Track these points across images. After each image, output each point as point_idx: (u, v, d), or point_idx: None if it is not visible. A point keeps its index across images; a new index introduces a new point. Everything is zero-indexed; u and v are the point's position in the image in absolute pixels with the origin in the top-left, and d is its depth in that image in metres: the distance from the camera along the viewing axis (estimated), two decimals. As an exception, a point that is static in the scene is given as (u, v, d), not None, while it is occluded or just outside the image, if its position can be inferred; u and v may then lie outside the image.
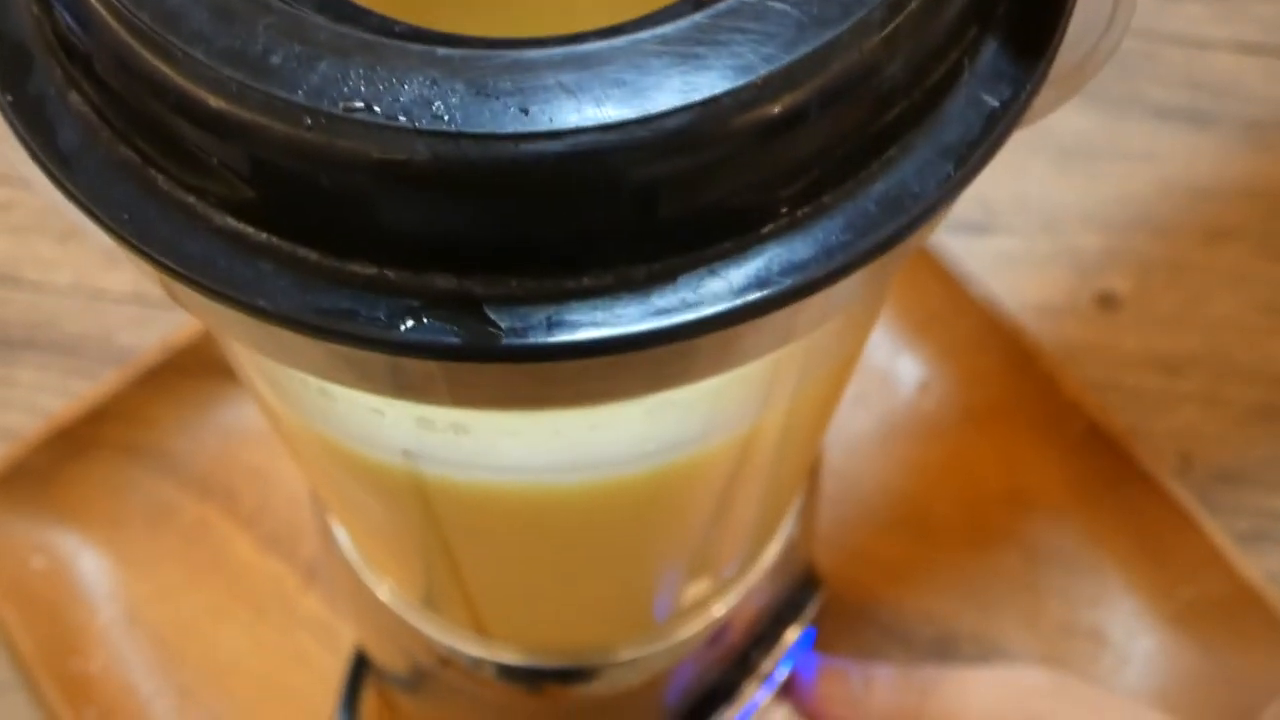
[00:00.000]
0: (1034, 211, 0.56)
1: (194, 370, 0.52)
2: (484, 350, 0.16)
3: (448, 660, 0.34)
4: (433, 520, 0.25)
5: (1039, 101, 0.18)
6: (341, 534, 0.34)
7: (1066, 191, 0.56)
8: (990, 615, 0.49)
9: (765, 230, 0.16)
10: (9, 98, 0.17)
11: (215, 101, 0.15)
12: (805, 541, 0.36)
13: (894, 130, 0.17)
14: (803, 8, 0.16)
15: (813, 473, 0.35)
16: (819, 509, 0.36)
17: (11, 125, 0.17)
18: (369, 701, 0.48)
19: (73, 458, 0.50)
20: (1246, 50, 0.59)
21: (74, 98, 0.17)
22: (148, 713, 0.47)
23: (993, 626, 0.49)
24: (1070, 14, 0.18)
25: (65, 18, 0.16)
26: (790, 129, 0.16)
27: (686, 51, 0.15)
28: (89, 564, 0.50)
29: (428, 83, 0.15)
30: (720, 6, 0.16)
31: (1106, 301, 0.55)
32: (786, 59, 0.15)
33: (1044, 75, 0.17)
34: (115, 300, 0.55)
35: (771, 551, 0.33)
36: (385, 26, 0.16)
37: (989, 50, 0.17)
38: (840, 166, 0.16)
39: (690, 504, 0.25)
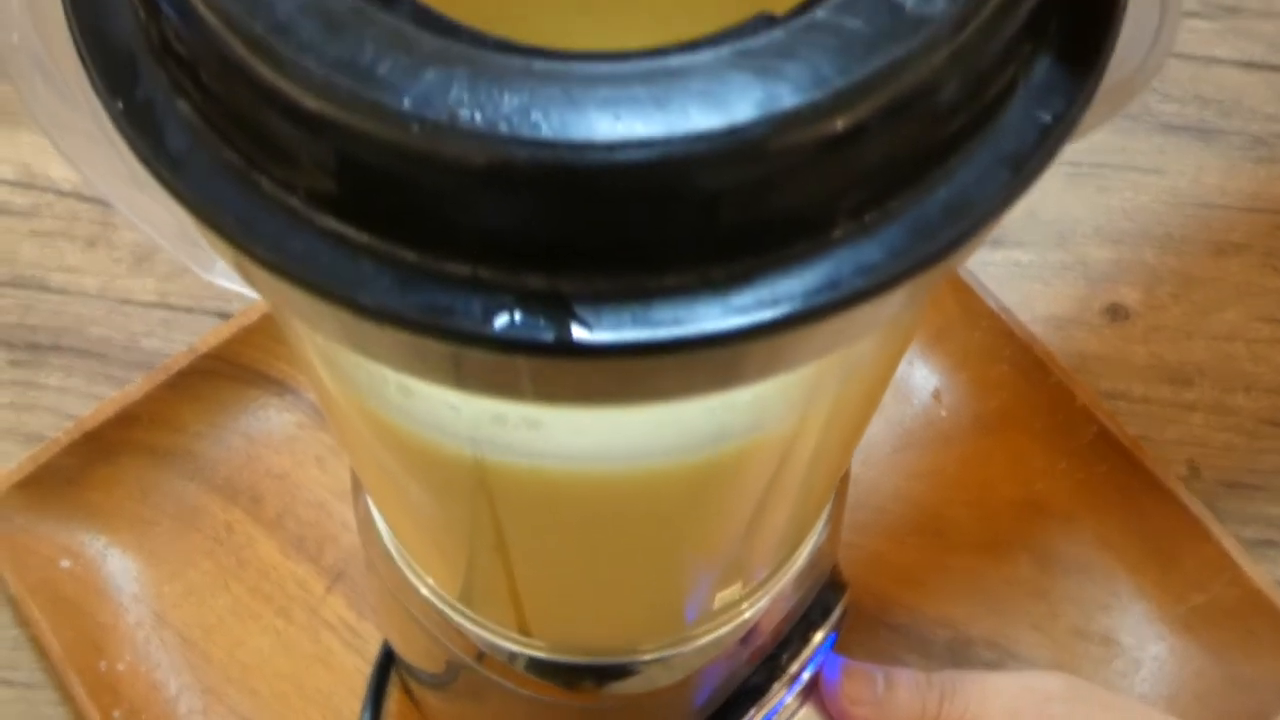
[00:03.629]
0: (1045, 225, 0.57)
1: (219, 375, 0.53)
2: (575, 346, 0.17)
3: (484, 655, 0.35)
4: (488, 508, 0.26)
5: (1089, 115, 0.19)
6: (384, 528, 0.35)
7: (1077, 205, 0.57)
8: (1004, 620, 0.50)
9: (836, 234, 0.17)
10: (119, 104, 0.18)
11: (325, 109, 0.16)
12: (832, 547, 0.37)
13: (955, 140, 0.18)
14: (874, 24, 0.16)
15: (841, 481, 0.36)
16: (844, 516, 0.37)
17: (122, 131, 0.18)
18: (394, 702, 0.49)
19: (100, 461, 0.51)
20: (1252, 67, 0.61)
21: (181, 103, 0.18)
22: (174, 712, 0.48)
23: (1007, 631, 0.50)
24: (1118, 32, 0.19)
25: (176, 26, 0.17)
26: (860, 139, 0.17)
27: (765, 65, 0.16)
28: (116, 565, 0.51)
29: (526, 93, 0.16)
30: (796, 23, 0.17)
31: (1116, 313, 0.56)
32: (859, 73, 0.16)
33: (1094, 90, 0.18)
34: (141, 305, 0.56)
35: (802, 556, 0.34)
36: (480, 39, 0.17)
37: (1042, 66, 0.18)
38: (905, 174, 0.17)
39: (733, 499, 0.26)
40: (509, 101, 0.16)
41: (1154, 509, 0.50)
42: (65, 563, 0.51)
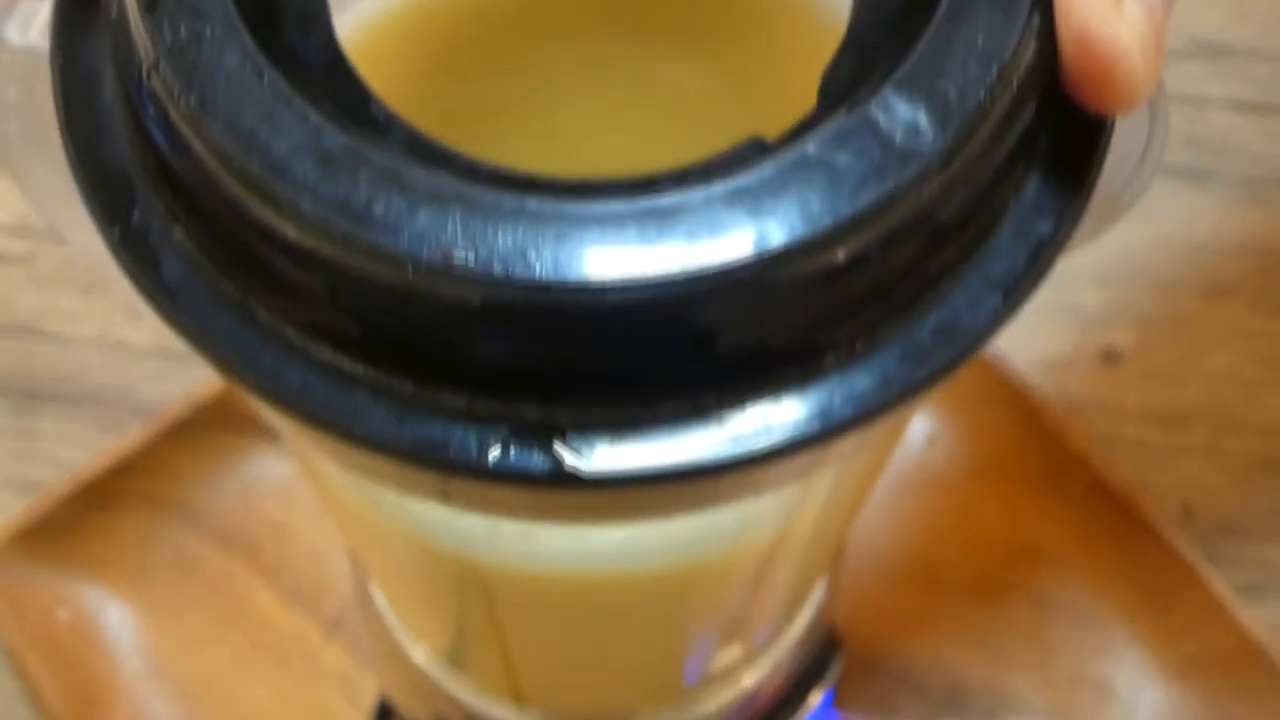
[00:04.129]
0: (1038, 267, 0.57)
1: (217, 424, 0.53)
2: (569, 478, 0.17)
3: (477, 719, 0.35)
4: (481, 594, 0.26)
5: (1079, 230, 0.19)
6: (378, 592, 0.35)
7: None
8: (1000, 666, 0.50)
9: (827, 361, 0.17)
10: (116, 232, 0.18)
11: (321, 247, 0.16)
12: (830, 608, 0.37)
13: (946, 265, 0.18)
14: (864, 159, 0.17)
15: (841, 544, 0.36)
16: (843, 573, 0.38)
17: (117, 258, 0.18)
18: (392, 753, 0.49)
19: (98, 510, 0.51)
20: (1243, 109, 0.61)
21: (177, 231, 0.18)
22: (172, 763, 0.48)
23: (1002, 677, 0.50)
24: (1107, 149, 0.19)
25: (171, 160, 0.17)
26: (851, 273, 0.17)
27: (756, 204, 0.16)
28: (113, 616, 0.51)
29: (520, 233, 0.16)
30: (786, 158, 0.17)
31: (1109, 356, 0.56)
32: (849, 210, 0.16)
33: (1084, 207, 0.19)
34: (139, 353, 0.56)
35: (801, 620, 0.34)
36: (474, 170, 0.17)
37: (1032, 185, 0.19)
38: (896, 301, 0.18)
39: (726, 587, 0.26)
40: (503, 242, 0.16)
41: (1148, 555, 0.51)
42: (63, 614, 0.51)
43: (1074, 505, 0.52)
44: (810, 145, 0.17)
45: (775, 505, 0.22)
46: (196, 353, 0.18)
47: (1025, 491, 0.53)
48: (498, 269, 0.16)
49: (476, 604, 0.27)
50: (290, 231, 0.17)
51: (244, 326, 0.17)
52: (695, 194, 0.16)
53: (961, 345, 0.18)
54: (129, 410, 0.54)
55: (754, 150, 0.18)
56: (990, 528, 0.53)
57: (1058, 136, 0.19)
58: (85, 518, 0.51)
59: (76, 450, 0.54)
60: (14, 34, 0.22)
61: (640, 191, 0.17)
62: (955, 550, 0.52)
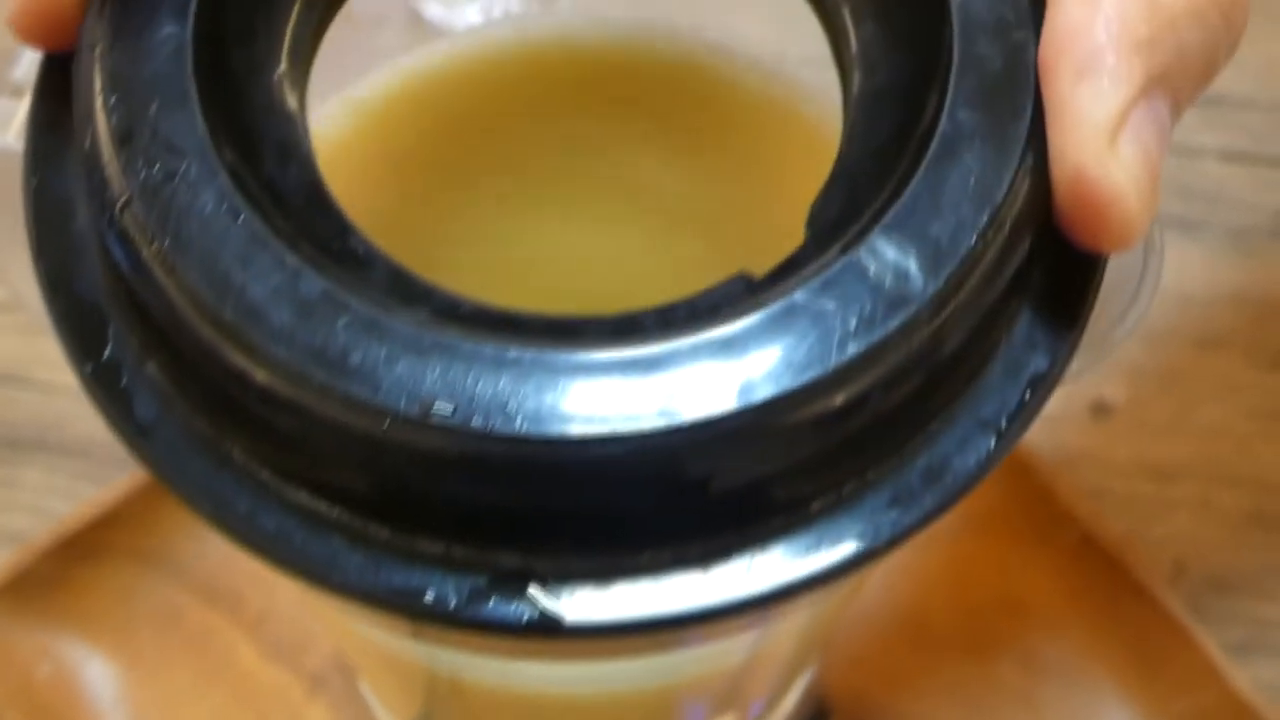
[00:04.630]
0: (1029, 318, 0.57)
1: (201, 475, 0.52)
2: (551, 628, 0.16)
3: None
4: (459, 698, 0.26)
5: (1072, 364, 0.19)
6: (353, 667, 0.35)
7: (1061, 298, 0.57)
8: (989, 726, 0.50)
9: (814, 507, 0.17)
10: (88, 367, 0.18)
11: (297, 396, 0.16)
12: (821, 683, 0.36)
13: (935, 407, 0.18)
14: (851, 309, 0.16)
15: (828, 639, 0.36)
16: (833, 648, 0.37)
17: (90, 395, 0.18)
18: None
19: (80, 564, 0.51)
20: (1235, 159, 0.61)
21: (151, 366, 0.18)
22: (153, 821, 0.47)
23: (992, 738, 0.49)
24: (1100, 284, 0.18)
25: (143, 298, 0.17)
26: (839, 420, 0.17)
27: (743, 356, 0.16)
28: (95, 671, 0.50)
29: (500, 384, 0.16)
30: (775, 308, 0.16)
31: (1100, 409, 0.56)
32: (836, 360, 0.16)
33: (1076, 344, 0.18)
34: (122, 402, 0.55)
35: (789, 701, 0.33)
36: (453, 306, 0.17)
37: (1023, 321, 0.18)
38: (884, 445, 0.17)
39: (709, 690, 0.26)
40: (483, 393, 0.16)
41: (1138, 613, 0.50)
42: (44, 668, 0.50)
43: (1064, 560, 0.52)
44: (798, 292, 0.16)
45: (754, 635, 0.22)
46: (170, 492, 0.17)
47: (1014, 545, 0.52)
48: (477, 422, 0.16)
49: (450, 702, 0.26)
50: (265, 378, 0.16)
51: (218, 469, 0.17)
52: (680, 342, 0.16)
53: (952, 488, 0.17)
54: (113, 461, 0.54)
55: (739, 287, 0.17)
56: (979, 583, 0.52)
57: (1050, 270, 0.18)
58: (67, 572, 0.51)
59: (60, 500, 0.53)
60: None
61: (623, 337, 0.16)
62: (943, 605, 0.52)
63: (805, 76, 0.26)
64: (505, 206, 0.26)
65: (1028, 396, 0.18)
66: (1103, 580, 0.51)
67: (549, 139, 0.25)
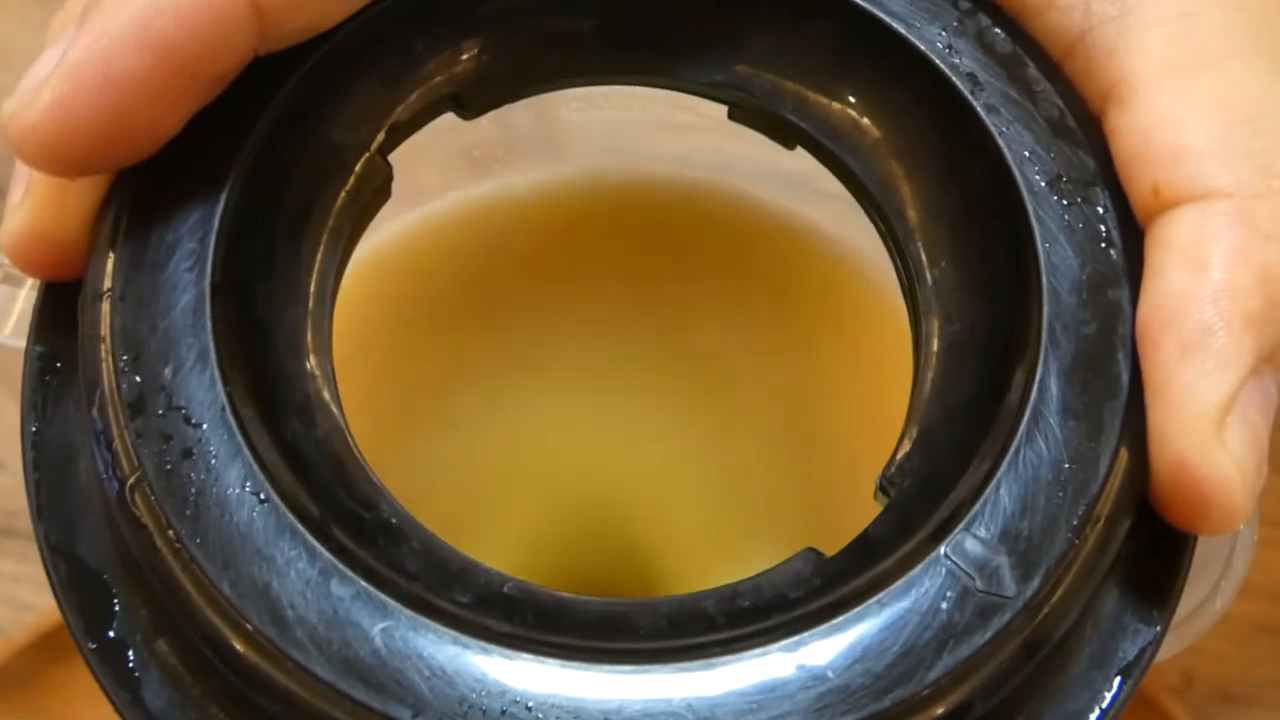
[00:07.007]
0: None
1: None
2: None
3: None
4: None
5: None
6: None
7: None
8: None
9: None
10: (91, 645, 0.16)
11: (326, 711, 0.14)
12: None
13: (1017, 706, 0.16)
14: (937, 616, 0.15)
15: None
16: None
17: (96, 675, 0.16)
18: None
19: (54, 663, 0.49)
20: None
21: (161, 645, 0.16)
22: None
23: None
24: (1191, 561, 0.17)
25: (153, 583, 0.15)
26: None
27: (822, 673, 0.15)
28: (71, 773, 0.48)
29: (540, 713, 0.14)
30: (850, 613, 0.15)
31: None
32: (917, 683, 0.15)
33: (1165, 629, 0.17)
34: (102, 489, 0.53)
35: None
36: (492, 590, 0.16)
37: (1111, 601, 0.17)
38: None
39: None
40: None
41: (1148, 731, 0.49)
42: (17, 771, 0.48)
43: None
44: (879, 594, 0.15)
45: None
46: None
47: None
48: None
49: None
50: (292, 688, 0.15)
51: (235, 771, 0.16)
52: (747, 658, 0.15)
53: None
54: (91, 551, 0.52)
55: (808, 566, 0.16)
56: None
57: (1138, 543, 0.17)
58: (41, 670, 0.49)
59: (33, 591, 0.51)
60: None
61: (683, 656, 0.15)
62: None
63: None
64: (534, 375, 0.24)
65: (1117, 689, 0.16)
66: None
67: (592, 283, 0.24)
